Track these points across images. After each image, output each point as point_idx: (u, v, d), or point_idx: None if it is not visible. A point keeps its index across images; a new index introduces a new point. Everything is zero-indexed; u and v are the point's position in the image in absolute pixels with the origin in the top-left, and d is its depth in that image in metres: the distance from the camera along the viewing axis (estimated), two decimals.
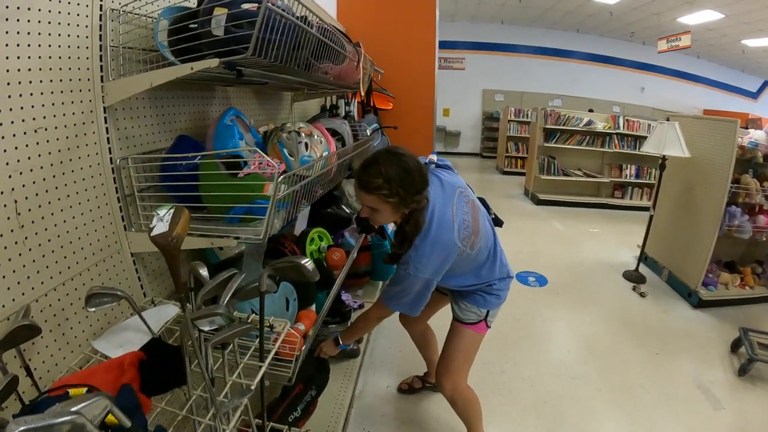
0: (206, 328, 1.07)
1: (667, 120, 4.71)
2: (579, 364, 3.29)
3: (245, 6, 1.17)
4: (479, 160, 12.56)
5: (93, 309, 1.18)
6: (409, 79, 4.10)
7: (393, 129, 3.32)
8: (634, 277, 4.92)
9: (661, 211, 4.98)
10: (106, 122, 1.40)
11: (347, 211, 2.88)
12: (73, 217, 1.32)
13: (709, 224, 4.17)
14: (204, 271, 1.24)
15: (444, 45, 7.35)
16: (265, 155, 1.46)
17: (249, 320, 1.45)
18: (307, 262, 1.16)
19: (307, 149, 1.77)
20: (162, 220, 0.99)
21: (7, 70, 1.11)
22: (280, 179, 1.27)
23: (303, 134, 1.78)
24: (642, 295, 4.57)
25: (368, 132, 2.90)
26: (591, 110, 9.20)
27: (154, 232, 0.97)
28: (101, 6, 1.36)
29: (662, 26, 9.18)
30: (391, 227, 3.45)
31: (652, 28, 9.73)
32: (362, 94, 2.57)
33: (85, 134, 1.35)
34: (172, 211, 1.01)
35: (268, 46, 1.20)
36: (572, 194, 8.38)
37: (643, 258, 5.15)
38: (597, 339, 3.66)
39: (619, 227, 7.15)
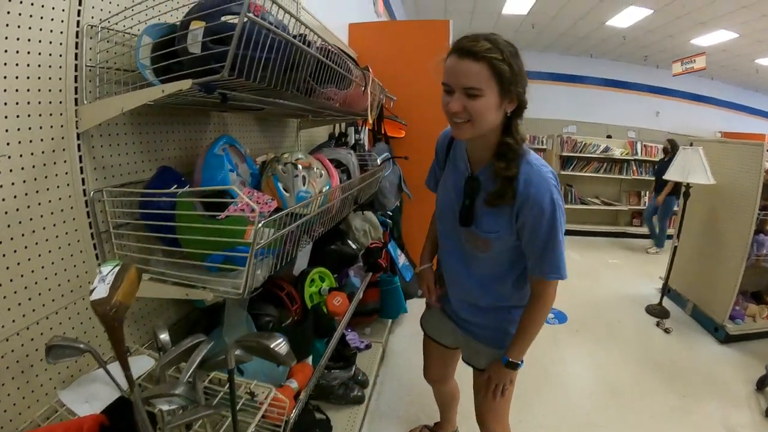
0: (165, 408, 0.91)
1: (691, 145, 4.51)
2: (601, 411, 3.05)
3: (225, 18, 1.01)
4: None
5: (53, 362, 1.01)
6: (423, 107, 3.95)
7: (404, 159, 3.15)
8: (658, 312, 4.69)
9: (684, 240, 4.75)
10: (79, 150, 1.26)
11: (353, 247, 2.65)
12: (40, 255, 1.18)
13: (735, 254, 3.95)
14: (164, 335, 1.07)
15: None
16: (255, 191, 1.30)
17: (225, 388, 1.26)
18: (280, 345, 0.94)
19: (304, 184, 1.61)
20: (104, 280, 0.81)
21: None
22: (262, 223, 1.11)
23: (300, 166, 1.62)
24: (666, 331, 4.32)
25: (378, 161, 2.74)
26: (609, 136, 9.05)
27: (93, 296, 0.79)
28: (78, 22, 1.23)
29: (676, 48, 9.03)
30: (402, 260, 3.27)
31: (665, 51, 9.58)
32: (370, 121, 2.41)
33: (55, 163, 1.21)
34: (115, 270, 0.83)
35: (251, 65, 1.04)
36: (590, 223, 8.18)
37: (666, 291, 4.89)
38: (620, 382, 3.42)
39: (638, 257, 6.93)
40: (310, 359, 1.86)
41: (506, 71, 1.31)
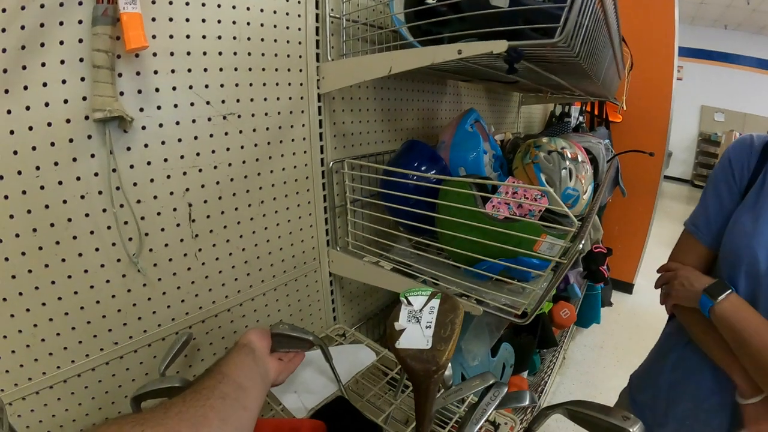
0: None
1: None
2: None
3: None
4: (688, 189, 10.35)
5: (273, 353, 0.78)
6: (642, 89, 3.21)
7: (648, 155, 2.52)
8: None
9: None
10: (320, 113, 1.02)
11: None
12: (266, 228, 0.98)
13: None
14: (448, 371, 0.75)
15: None
16: (519, 182, 0.93)
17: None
18: (636, 428, 0.58)
19: (571, 179, 1.19)
20: (418, 320, 0.48)
21: (204, 36, 0.79)
22: (566, 238, 0.74)
23: (569, 156, 1.19)
24: None
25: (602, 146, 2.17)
26: None
27: (405, 343, 0.46)
28: None
29: None
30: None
31: None
32: (624, 107, 1.89)
33: (292, 126, 0.97)
34: (434, 304, 0.49)
35: (577, 33, 0.72)
36: None
37: None
38: None
39: None
40: (526, 373, 1.60)
41: None
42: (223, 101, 0.84)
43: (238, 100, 0.86)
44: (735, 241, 0.87)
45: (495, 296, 0.88)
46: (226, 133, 0.85)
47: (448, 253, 0.99)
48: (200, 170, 0.83)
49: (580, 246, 0.84)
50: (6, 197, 0.62)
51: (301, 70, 0.96)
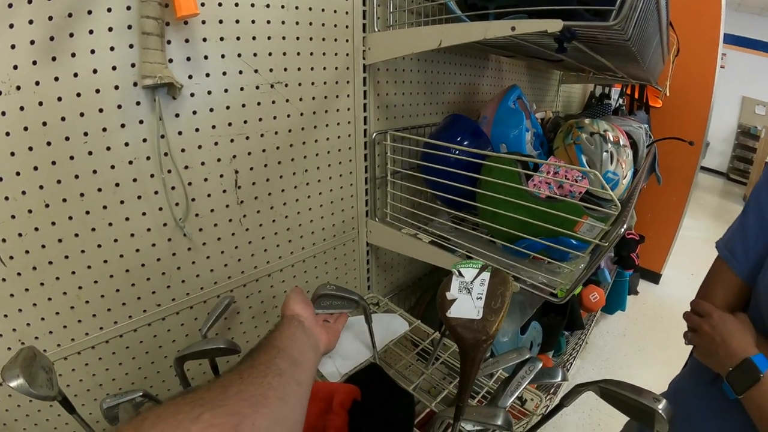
0: (468, 428, 0.66)
1: None
2: None
3: None
4: (723, 183, 9.82)
5: (319, 311, 0.78)
6: (684, 75, 3.04)
7: (688, 144, 2.39)
8: None
9: None
10: (364, 84, 0.98)
11: None
12: (309, 197, 0.97)
13: None
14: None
15: None
16: (561, 163, 0.89)
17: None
18: (666, 409, 0.56)
19: (611, 162, 1.13)
20: (469, 290, 0.47)
21: (252, 5, 0.77)
22: (606, 222, 0.71)
23: (611, 139, 1.14)
24: None
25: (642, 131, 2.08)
26: None
27: (456, 312, 0.45)
28: None
29: None
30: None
31: None
32: (668, 93, 1.79)
33: (337, 96, 0.94)
34: (485, 277, 0.48)
35: (631, 16, 0.67)
36: None
37: None
38: None
39: None
40: (551, 353, 1.60)
41: None
42: (270, 70, 0.81)
43: (285, 69, 0.83)
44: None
45: (532, 274, 0.86)
46: (273, 102, 0.83)
47: (488, 229, 0.96)
48: (247, 138, 0.81)
49: (622, 230, 0.81)
50: (54, 163, 0.61)
51: (347, 41, 0.93)
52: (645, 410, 0.57)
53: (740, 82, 9.70)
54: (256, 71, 0.79)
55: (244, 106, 0.79)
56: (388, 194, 1.08)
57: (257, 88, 0.80)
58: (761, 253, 0.71)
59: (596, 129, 1.18)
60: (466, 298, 0.46)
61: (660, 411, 0.56)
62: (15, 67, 0.55)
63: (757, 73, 9.68)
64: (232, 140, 0.79)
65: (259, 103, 0.81)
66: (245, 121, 0.80)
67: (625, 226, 0.84)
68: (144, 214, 0.72)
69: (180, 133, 0.73)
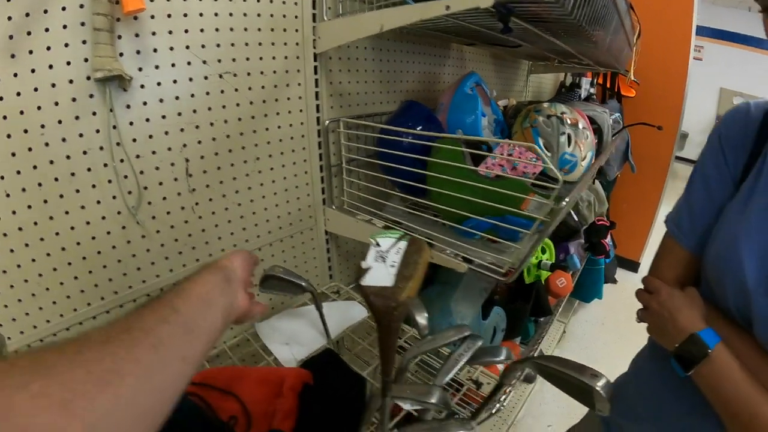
0: (407, 407, 0.65)
1: None
2: None
3: None
4: None
5: (264, 292, 0.84)
6: (657, 65, 3.10)
7: (657, 129, 2.43)
8: None
9: None
10: (316, 73, 1.02)
11: (575, 218, 2.16)
12: (262, 184, 1.00)
13: None
14: (422, 319, 0.76)
15: None
16: (515, 145, 0.93)
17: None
18: (605, 387, 0.56)
19: (569, 144, 1.17)
20: (383, 258, 0.49)
21: None
22: (564, 205, 0.72)
23: (568, 122, 1.17)
24: None
25: (611, 120, 2.12)
26: None
27: (369, 280, 0.47)
28: None
29: None
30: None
31: None
32: (632, 78, 1.83)
33: (288, 85, 0.98)
34: (400, 246, 0.51)
35: None
36: None
37: None
38: None
39: None
40: (518, 340, 1.59)
41: None
42: (219, 60, 0.85)
43: (234, 60, 0.87)
44: (718, 247, 0.67)
45: (481, 254, 0.89)
46: (222, 91, 0.87)
47: (438, 211, 1.00)
48: (197, 127, 0.85)
49: (563, 204, 0.84)
50: (13, 154, 0.65)
51: (297, 30, 0.96)
52: (584, 388, 0.56)
53: (719, 74, 9.87)
54: (204, 62, 0.83)
55: (193, 96, 0.83)
56: (344, 182, 1.12)
57: (206, 78, 0.84)
58: (708, 223, 0.71)
59: (554, 112, 1.22)
60: (380, 266, 0.48)
61: (598, 389, 0.55)
62: None
63: (734, 65, 9.87)
64: (182, 129, 0.83)
65: (207, 93, 0.85)
66: (194, 111, 0.84)
67: (567, 200, 0.88)
68: (99, 202, 0.76)
69: (131, 123, 0.77)
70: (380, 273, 0.47)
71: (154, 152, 0.80)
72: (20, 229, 0.69)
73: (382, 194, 1.08)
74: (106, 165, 0.75)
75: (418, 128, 1.05)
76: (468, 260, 0.90)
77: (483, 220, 0.87)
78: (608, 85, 2.99)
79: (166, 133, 0.81)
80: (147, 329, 0.39)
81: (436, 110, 1.20)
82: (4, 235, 0.67)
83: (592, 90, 2.85)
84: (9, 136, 0.64)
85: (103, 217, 0.77)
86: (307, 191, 1.09)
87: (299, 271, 1.16)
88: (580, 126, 1.24)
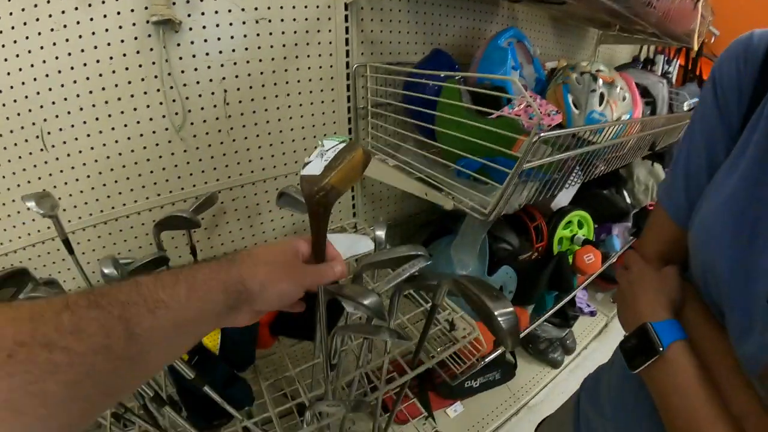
0: (350, 310, 0.71)
1: None
2: None
3: None
4: None
5: (280, 206, 0.98)
6: None
7: None
8: None
9: None
10: (346, 20, 1.11)
11: (628, 200, 2.01)
12: (291, 118, 1.13)
13: None
14: (381, 232, 0.86)
15: None
16: (538, 97, 0.94)
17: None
18: (506, 317, 0.55)
19: (600, 103, 1.16)
20: (322, 156, 0.58)
21: None
22: (539, 137, 0.75)
23: (601, 81, 1.16)
24: None
25: (685, 107, 1.98)
26: None
27: (305, 171, 0.56)
28: None
29: None
30: None
31: None
32: (695, 49, 1.69)
33: (318, 31, 1.09)
34: (339, 147, 0.59)
35: None
36: None
37: None
38: None
39: None
40: (530, 309, 1.52)
41: None
42: (255, 8, 0.98)
43: (268, 8, 0.99)
44: (699, 219, 0.54)
45: (470, 194, 0.93)
46: (257, 35, 1.00)
47: (441, 151, 1.05)
48: (235, 63, 0.99)
49: (567, 155, 0.86)
50: (87, 78, 0.85)
51: None
52: (487, 312, 0.56)
53: None
54: (242, 9, 0.97)
55: (232, 38, 0.97)
56: (370, 124, 1.21)
57: (243, 23, 0.98)
58: (703, 188, 0.56)
59: (588, 69, 1.21)
60: (318, 161, 0.57)
61: (497, 314, 0.54)
62: (62, 12, 0.79)
63: None
64: (222, 65, 0.98)
65: (245, 36, 0.99)
66: (233, 50, 0.98)
67: (574, 156, 0.90)
68: (151, 119, 0.95)
69: (180, 58, 0.93)
70: (315, 165, 0.56)
71: (197, 82, 0.96)
72: (88, 135, 0.89)
73: (402, 137, 1.16)
74: (158, 90, 0.92)
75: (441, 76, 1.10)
76: (456, 200, 0.95)
77: (473, 159, 0.91)
78: (689, 67, 2.77)
79: (209, 67, 0.96)
80: (96, 319, 0.34)
81: (470, 65, 1.24)
82: (75, 139, 0.88)
83: (669, 69, 2.67)
84: (85, 64, 0.84)
85: (154, 132, 0.95)
86: (333, 129, 1.20)
87: None
88: (618, 87, 1.21)
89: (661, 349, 0.51)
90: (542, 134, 0.76)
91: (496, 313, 0.55)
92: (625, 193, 2.03)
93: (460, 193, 0.95)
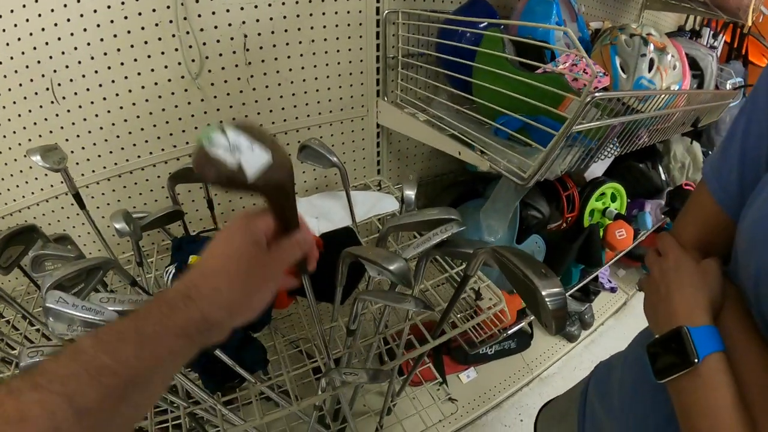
0: (374, 275, 0.67)
1: None
2: None
3: None
4: None
5: (301, 161, 0.94)
6: None
7: None
8: None
9: None
10: None
11: (663, 177, 1.88)
12: (315, 66, 1.05)
13: None
14: (410, 192, 0.82)
15: None
16: (585, 55, 0.86)
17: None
18: (555, 298, 0.49)
19: (650, 70, 1.06)
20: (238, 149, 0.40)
21: None
22: (592, 97, 0.66)
23: (652, 45, 1.06)
24: None
25: (728, 86, 1.83)
26: None
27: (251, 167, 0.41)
28: None
29: None
30: None
31: None
32: (749, 23, 1.55)
33: None
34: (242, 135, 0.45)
35: None
36: None
37: None
38: None
39: None
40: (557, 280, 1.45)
41: None
42: None
43: None
44: (753, 215, 0.44)
45: (509, 156, 0.85)
46: None
47: (477, 105, 0.97)
48: (255, 6, 0.91)
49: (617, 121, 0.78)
50: (98, 25, 0.79)
51: None
52: (529, 287, 0.51)
53: None
54: None
55: None
56: (399, 75, 1.12)
57: None
58: (755, 177, 0.47)
59: (639, 32, 1.11)
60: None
61: (542, 291, 0.49)
62: None
63: None
64: (242, 8, 0.90)
65: None
66: None
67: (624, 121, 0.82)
68: (166, 67, 0.88)
69: (197, 1, 0.85)
70: (256, 157, 0.43)
71: (215, 27, 0.89)
72: (100, 85, 0.83)
73: (434, 90, 1.09)
74: (174, 35, 0.86)
75: (480, 25, 1.01)
76: (492, 160, 0.88)
77: (515, 116, 0.84)
78: (734, 45, 2.59)
79: (228, 10, 0.89)
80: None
81: (511, 16, 1.14)
82: (87, 90, 0.83)
83: (715, 43, 2.50)
84: (95, 11, 0.77)
85: (169, 80, 0.89)
86: (361, 80, 1.12)
87: (346, 158, 1.22)
88: (669, 54, 1.11)
89: (696, 360, 0.43)
90: (593, 95, 0.69)
91: (544, 293, 0.49)
92: (661, 169, 1.92)
93: (497, 153, 0.89)
